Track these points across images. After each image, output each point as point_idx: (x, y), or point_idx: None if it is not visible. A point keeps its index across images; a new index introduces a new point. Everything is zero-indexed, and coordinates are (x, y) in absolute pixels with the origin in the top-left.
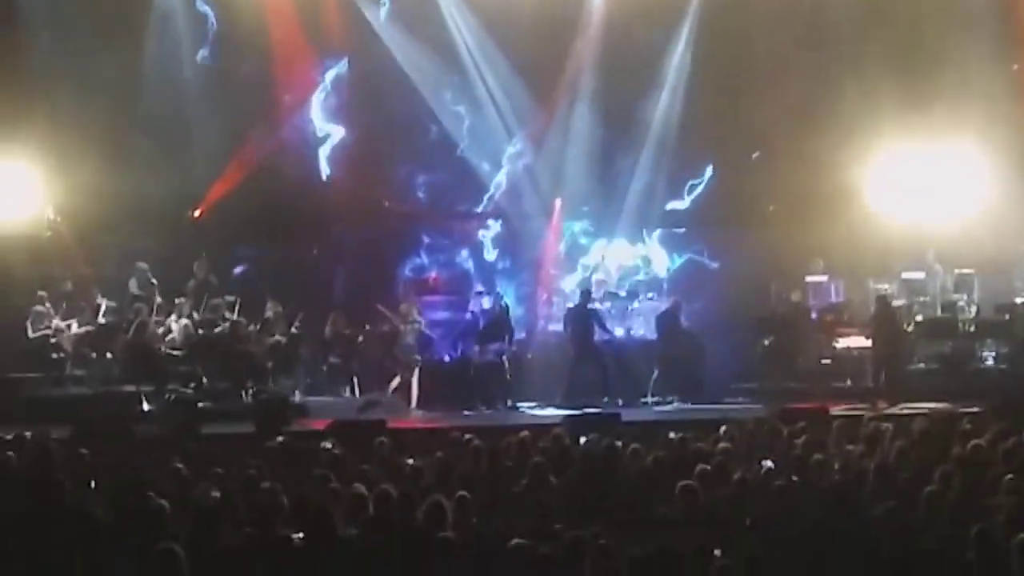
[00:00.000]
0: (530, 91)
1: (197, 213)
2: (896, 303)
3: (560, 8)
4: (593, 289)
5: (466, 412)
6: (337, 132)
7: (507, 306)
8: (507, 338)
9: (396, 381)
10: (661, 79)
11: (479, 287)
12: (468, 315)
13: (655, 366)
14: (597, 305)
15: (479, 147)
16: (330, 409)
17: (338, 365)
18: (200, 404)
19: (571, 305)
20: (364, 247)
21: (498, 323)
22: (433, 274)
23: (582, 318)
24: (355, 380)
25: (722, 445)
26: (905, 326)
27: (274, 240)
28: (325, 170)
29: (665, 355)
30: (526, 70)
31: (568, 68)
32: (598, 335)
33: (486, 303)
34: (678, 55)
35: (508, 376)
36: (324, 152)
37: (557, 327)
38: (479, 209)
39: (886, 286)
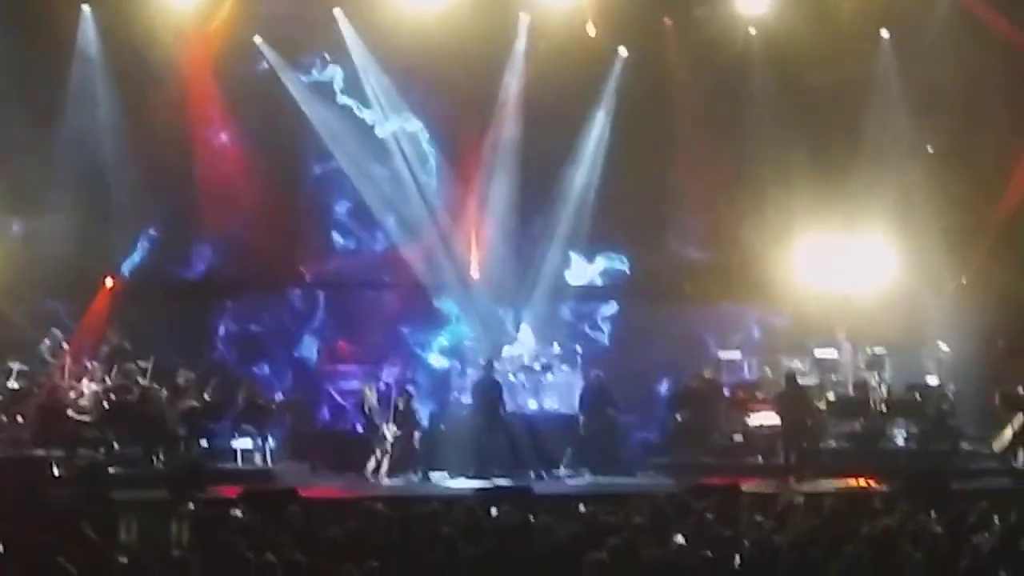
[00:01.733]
0: (448, 163)
1: (110, 283)
2: (807, 381)
3: (480, 78)
4: (501, 362)
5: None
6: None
7: (407, 393)
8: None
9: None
10: (580, 153)
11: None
12: (382, 385)
13: (570, 440)
14: (511, 377)
15: (396, 217)
16: (242, 477)
17: (251, 433)
18: (111, 469)
19: (475, 377)
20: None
21: (397, 407)
22: (340, 341)
23: (487, 390)
24: (268, 449)
25: (634, 519)
26: (816, 404)
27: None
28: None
29: (584, 428)
30: (444, 142)
31: (486, 141)
32: (505, 407)
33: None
34: (597, 129)
35: (417, 447)
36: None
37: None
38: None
39: (797, 363)
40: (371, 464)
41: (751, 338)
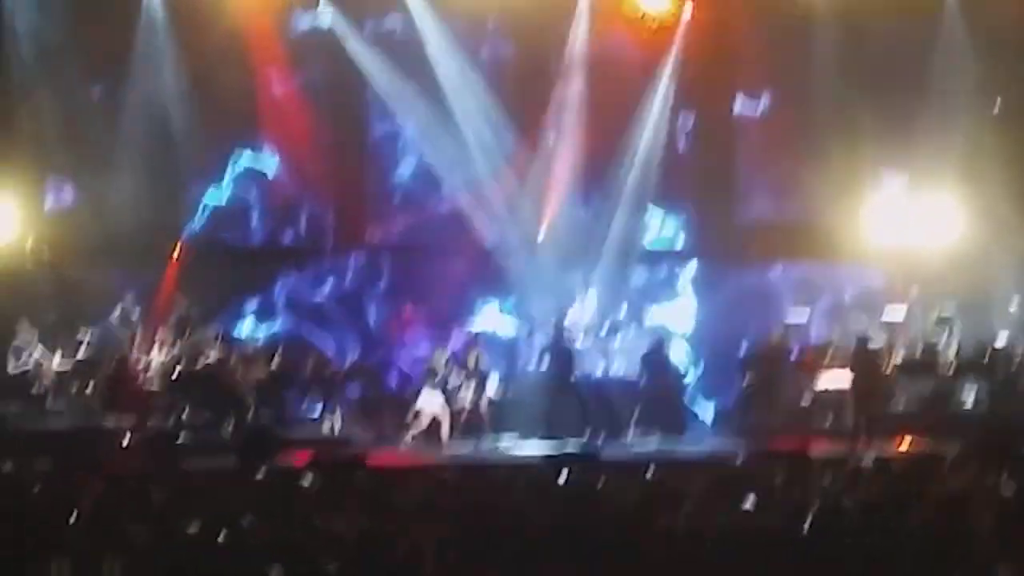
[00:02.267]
0: (514, 125)
1: (178, 251)
2: (875, 344)
3: (544, 37)
4: (570, 326)
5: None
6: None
7: (475, 346)
8: (476, 378)
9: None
10: (645, 112)
11: (459, 324)
12: (449, 350)
13: (636, 404)
14: (578, 341)
15: (461, 180)
16: (312, 444)
17: (319, 400)
18: (180, 439)
19: (546, 342)
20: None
21: (467, 364)
22: (406, 307)
23: (556, 355)
24: (336, 416)
25: (702, 484)
26: (885, 367)
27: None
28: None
29: (647, 393)
30: (510, 104)
31: (552, 101)
32: (573, 372)
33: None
34: (662, 88)
35: (486, 413)
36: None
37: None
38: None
39: (866, 325)
40: (412, 430)
41: (819, 299)
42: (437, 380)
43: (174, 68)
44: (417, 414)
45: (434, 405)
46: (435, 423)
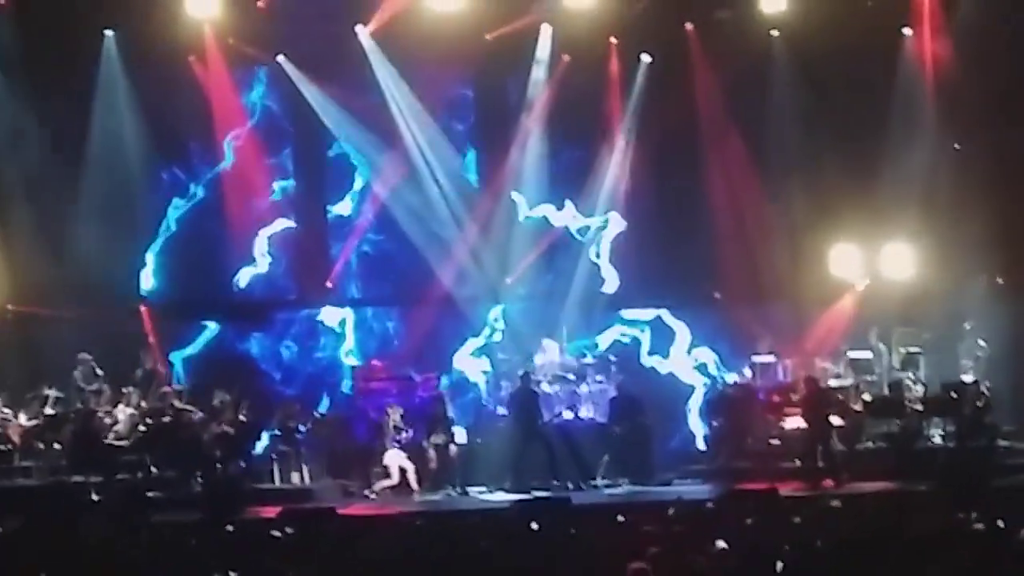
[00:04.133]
0: (476, 174)
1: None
2: (841, 382)
3: (503, 91)
4: (536, 372)
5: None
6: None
7: (440, 396)
8: (442, 428)
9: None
10: (606, 160)
11: (425, 374)
12: (417, 400)
13: (605, 449)
14: (545, 387)
15: (426, 231)
16: (280, 497)
17: (288, 453)
18: (149, 493)
19: (512, 389)
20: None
21: (434, 414)
22: (373, 360)
23: (523, 401)
24: (304, 468)
25: (673, 527)
26: (850, 404)
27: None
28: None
29: (616, 437)
30: (470, 155)
31: (513, 151)
32: (542, 417)
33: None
34: (622, 137)
35: (454, 461)
36: (266, 237)
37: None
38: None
39: (831, 366)
40: (383, 482)
41: (785, 341)
42: (397, 436)
43: (134, 125)
44: (386, 467)
45: (401, 457)
46: (404, 474)
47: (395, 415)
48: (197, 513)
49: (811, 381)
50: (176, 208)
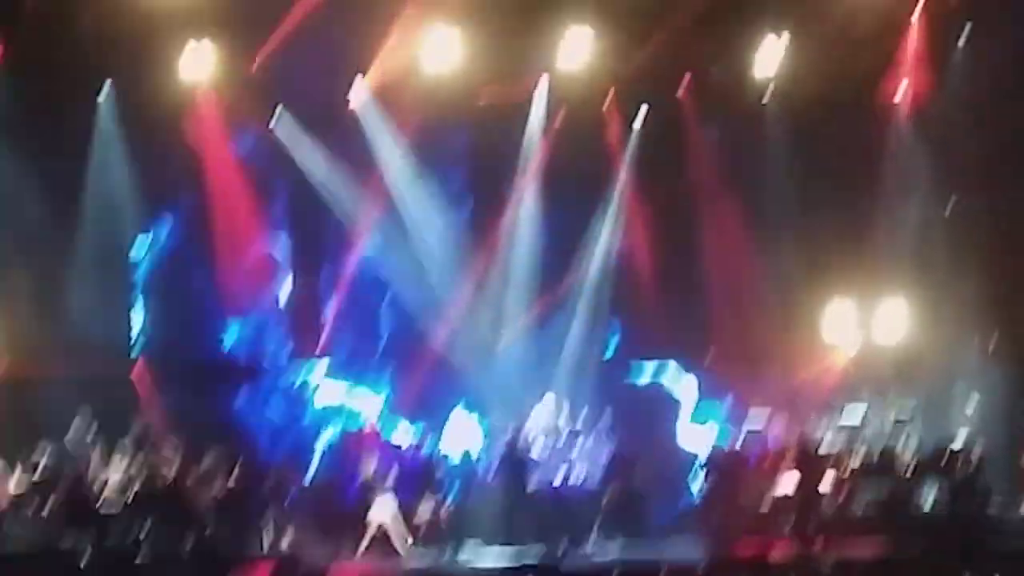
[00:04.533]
0: (469, 235)
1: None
2: (831, 447)
3: (498, 147)
4: (528, 433)
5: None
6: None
7: (431, 459)
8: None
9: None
10: (602, 216)
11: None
12: (408, 463)
13: (599, 510)
14: (537, 446)
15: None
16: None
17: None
18: (138, 558)
19: (501, 452)
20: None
21: (425, 476)
22: (367, 427)
23: (514, 463)
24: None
25: None
26: (839, 469)
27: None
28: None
29: (609, 498)
30: (464, 212)
31: (508, 209)
32: (532, 481)
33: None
34: (618, 193)
35: (445, 524)
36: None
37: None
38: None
39: (821, 429)
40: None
41: (776, 404)
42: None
43: (129, 180)
44: (366, 525)
45: (383, 515)
46: (383, 532)
47: (368, 467)
48: None
49: (802, 446)
50: (164, 262)
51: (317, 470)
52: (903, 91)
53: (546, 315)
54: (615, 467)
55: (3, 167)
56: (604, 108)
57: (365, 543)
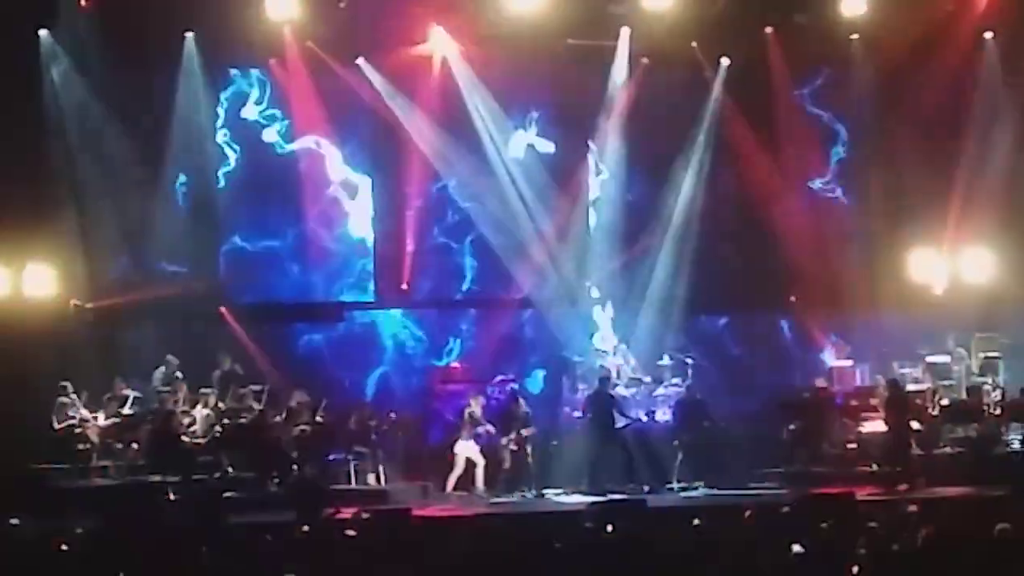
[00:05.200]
0: (552, 178)
1: (223, 309)
2: (918, 387)
3: (583, 93)
4: (613, 374)
5: (493, 500)
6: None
7: (515, 395)
8: (518, 427)
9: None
10: (685, 164)
11: (500, 376)
12: (493, 401)
13: (678, 451)
14: (620, 390)
15: (504, 234)
16: (356, 498)
17: (364, 454)
18: (226, 493)
19: (589, 391)
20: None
21: (509, 413)
22: (455, 363)
23: (600, 404)
24: (381, 469)
25: (749, 532)
26: (927, 408)
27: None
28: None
29: (688, 441)
30: (548, 157)
31: (590, 155)
32: (619, 420)
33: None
34: (701, 140)
35: (530, 463)
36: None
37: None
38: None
39: (909, 370)
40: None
41: (863, 345)
42: (476, 430)
43: (211, 123)
44: (454, 455)
45: (470, 450)
46: (470, 468)
47: (476, 406)
48: (274, 514)
49: (893, 385)
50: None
51: (405, 407)
52: (991, 35)
53: (631, 262)
54: (686, 410)
55: (89, 106)
56: (688, 52)
57: (453, 480)
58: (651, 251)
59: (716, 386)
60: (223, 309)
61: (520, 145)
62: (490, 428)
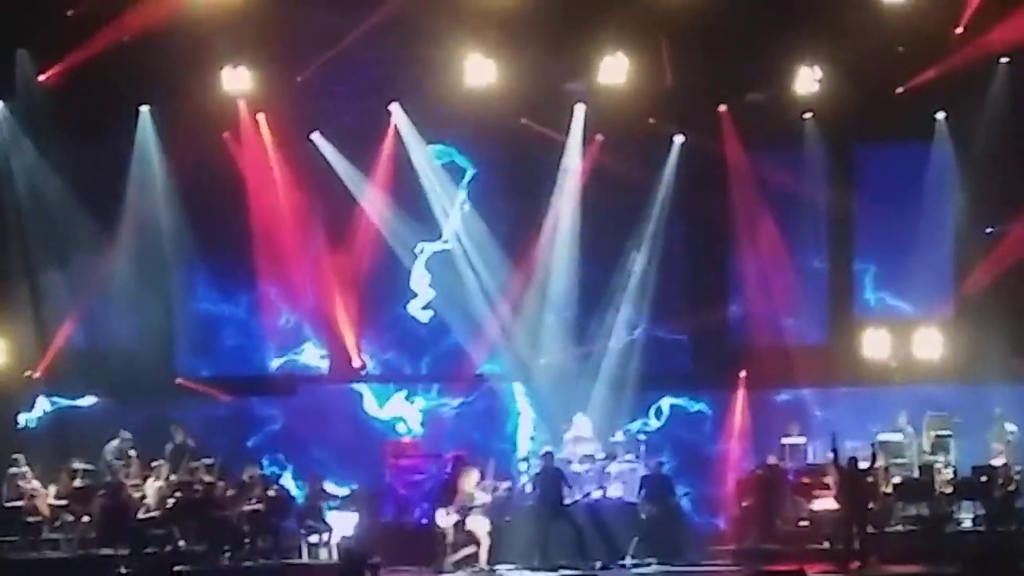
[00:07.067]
0: (507, 255)
1: (179, 380)
2: (869, 464)
3: (537, 170)
4: (566, 451)
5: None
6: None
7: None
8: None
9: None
10: (639, 239)
11: (455, 451)
12: (444, 477)
13: (635, 529)
14: (575, 466)
15: (457, 309)
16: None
17: (317, 528)
18: (177, 567)
19: (537, 468)
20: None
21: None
22: (408, 438)
23: (548, 480)
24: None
25: None
26: (880, 487)
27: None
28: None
29: (645, 516)
30: (502, 233)
31: (545, 231)
32: (568, 496)
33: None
34: (655, 216)
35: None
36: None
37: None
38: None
39: (859, 448)
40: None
41: (814, 423)
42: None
43: (167, 199)
44: (469, 533)
45: (485, 524)
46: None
47: (471, 478)
48: None
49: (849, 462)
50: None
51: (359, 482)
52: (944, 116)
53: (583, 333)
54: (652, 484)
55: (46, 183)
56: (642, 132)
57: (464, 552)
58: (605, 322)
59: (668, 461)
60: (180, 380)
61: (470, 216)
62: (500, 486)
